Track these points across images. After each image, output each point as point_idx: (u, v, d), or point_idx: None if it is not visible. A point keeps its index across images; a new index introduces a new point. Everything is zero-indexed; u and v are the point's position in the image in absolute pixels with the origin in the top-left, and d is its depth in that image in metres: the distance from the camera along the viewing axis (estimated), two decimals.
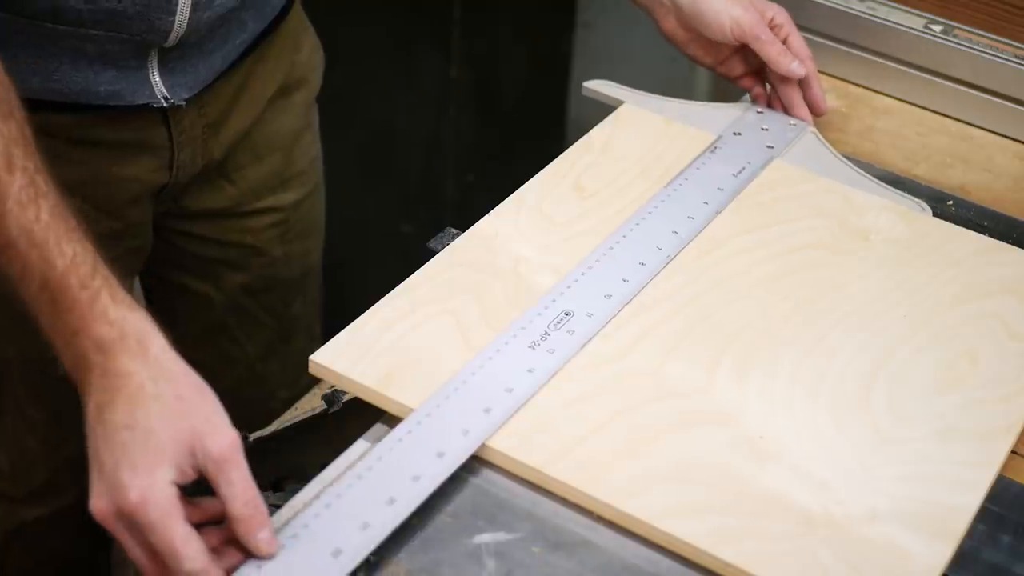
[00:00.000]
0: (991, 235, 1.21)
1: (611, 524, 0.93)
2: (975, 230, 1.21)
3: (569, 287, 1.09)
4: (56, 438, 1.47)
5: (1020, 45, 1.37)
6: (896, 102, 1.41)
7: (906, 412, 1.02)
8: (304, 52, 1.40)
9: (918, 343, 1.08)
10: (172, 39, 1.18)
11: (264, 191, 1.39)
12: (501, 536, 0.91)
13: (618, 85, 1.34)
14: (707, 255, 1.14)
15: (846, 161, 1.28)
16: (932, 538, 0.92)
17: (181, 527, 0.84)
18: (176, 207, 1.36)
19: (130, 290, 1.43)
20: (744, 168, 1.24)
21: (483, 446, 0.96)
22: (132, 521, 0.84)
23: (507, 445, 0.95)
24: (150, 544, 0.84)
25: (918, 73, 1.39)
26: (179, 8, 1.16)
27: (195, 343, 1.52)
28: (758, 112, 1.32)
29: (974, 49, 1.36)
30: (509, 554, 0.90)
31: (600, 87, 1.34)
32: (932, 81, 1.39)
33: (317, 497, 0.92)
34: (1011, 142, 1.37)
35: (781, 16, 1.30)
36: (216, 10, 1.20)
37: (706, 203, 1.20)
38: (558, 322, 1.06)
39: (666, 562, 0.91)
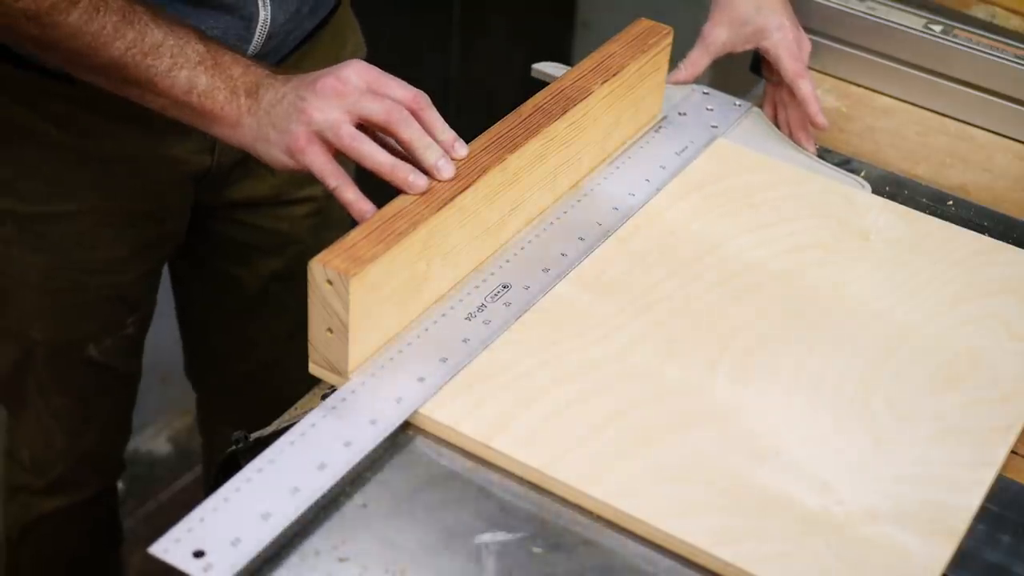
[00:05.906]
0: (991, 235, 1.21)
1: (611, 524, 0.93)
2: (975, 230, 1.21)
3: (508, 261, 1.10)
4: (79, 427, 1.48)
5: (1020, 45, 1.37)
6: (896, 102, 1.41)
7: (906, 412, 1.01)
8: (348, 48, 1.43)
9: (918, 343, 1.08)
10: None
11: (305, 180, 1.40)
12: (501, 536, 0.91)
13: (565, 66, 1.33)
14: (707, 255, 1.14)
15: (788, 140, 1.29)
16: (932, 538, 0.92)
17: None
18: (218, 196, 1.37)
19: (160, 276, 1.44)
20: (687, 147, 1.25)
21: (486, 447, 0.96)
22: (356, 98, 1.02)
23: (509, 446, 0.96)
24: (357, 114, 1.02)
25: (918, 73, 1.40)
26: (255, 36, 1.21)
27: (222, 324, 1.53)
28: (704, 93, 1.33)
29: (974, 49, 1.36)
30: (509, 554, 0.90)
31: (548, 68, 1.35)
32: (932, 81, 1.39)
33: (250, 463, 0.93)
34: (1011, 142, 1.37)
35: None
36: (286, 30, 1.25)
37: (648, 180, 1.20)
38: (495, 294, 1.06)
39: (666, 562, 0.91)
